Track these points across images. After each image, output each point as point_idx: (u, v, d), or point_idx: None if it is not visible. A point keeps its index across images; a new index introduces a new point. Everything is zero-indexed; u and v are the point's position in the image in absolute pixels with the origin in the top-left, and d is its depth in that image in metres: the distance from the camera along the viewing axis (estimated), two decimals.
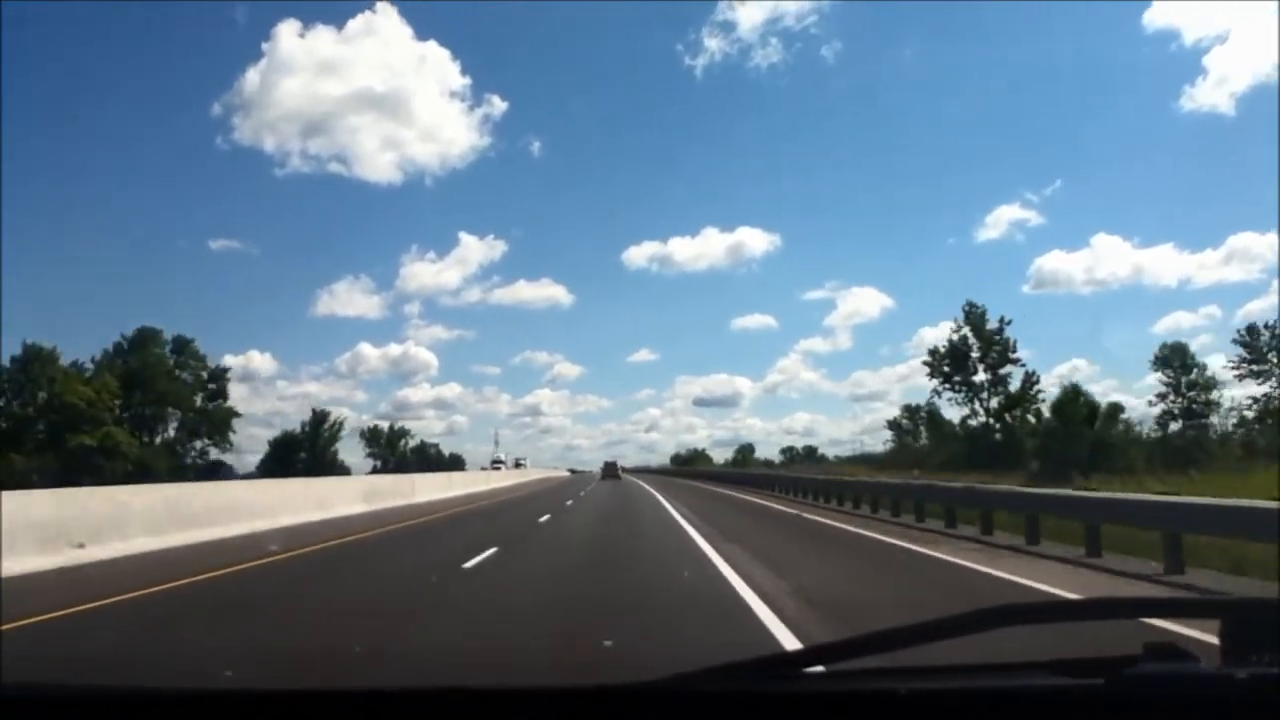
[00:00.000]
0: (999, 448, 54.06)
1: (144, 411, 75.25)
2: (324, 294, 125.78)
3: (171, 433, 78.50)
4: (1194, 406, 62.57)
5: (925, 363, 62.83)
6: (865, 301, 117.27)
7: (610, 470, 70.61)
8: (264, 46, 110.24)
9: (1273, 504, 9.23)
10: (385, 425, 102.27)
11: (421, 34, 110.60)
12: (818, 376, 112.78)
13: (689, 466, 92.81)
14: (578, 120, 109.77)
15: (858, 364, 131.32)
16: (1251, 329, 60.61)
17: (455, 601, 8.44)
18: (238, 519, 15.45)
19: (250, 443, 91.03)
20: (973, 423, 61.61)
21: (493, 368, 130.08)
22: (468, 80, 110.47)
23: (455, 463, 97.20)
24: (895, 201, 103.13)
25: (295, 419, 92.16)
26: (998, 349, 60.34)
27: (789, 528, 18.14)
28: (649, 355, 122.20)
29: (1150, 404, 62.26)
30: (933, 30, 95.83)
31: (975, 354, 60.88)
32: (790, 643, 5.92)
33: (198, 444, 79.49)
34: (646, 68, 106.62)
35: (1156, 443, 55.48)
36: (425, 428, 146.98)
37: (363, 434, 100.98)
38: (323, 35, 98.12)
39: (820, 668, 1.34)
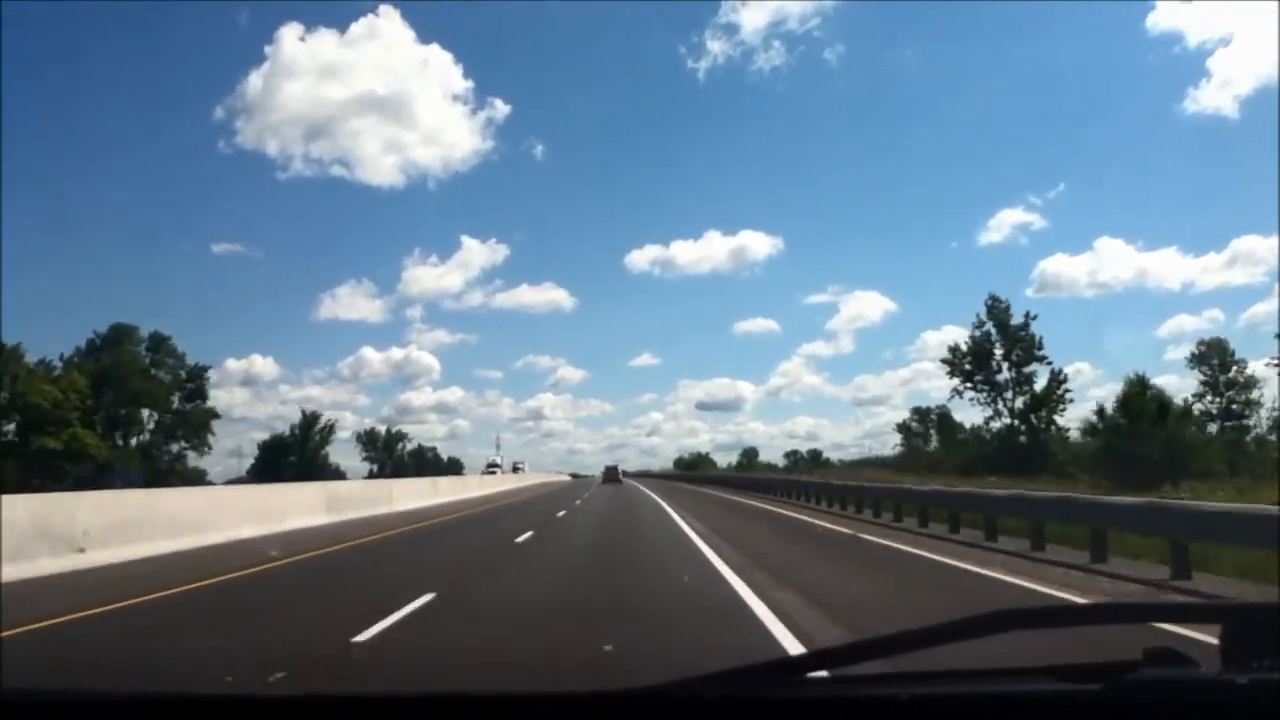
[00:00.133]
0: (1025, 451, 53.64)
1: (117, 412, 75.21)
2: (326, 297, 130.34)
3: (147, 435, 78.67)
4: (1233, 406, 62.53)
5: (945, 361, 62.53)
6: (868, 305, 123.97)
7: (611, 474, 75.35)
8: (266, 50, 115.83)
9: None
10: (382, 428, 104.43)
11: (424, 37, 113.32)
12: (820, 380, 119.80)
13: (694, 471, 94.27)
14: (580, 123, 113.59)
15: (860, 368, 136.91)
16: None
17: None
18: (141, 537, 12.98)
19: (251, 447, 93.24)
20: (996, 424, 61.33)
21: (495, 372, 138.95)
22: (470, 83, 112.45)
23: (453, 467, 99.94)
24: (898, 205, 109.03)
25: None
26: (1023, 346, 60.02)
27: (861, 559, 13.54)
28: (651, 359, 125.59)
29: (1186, 403, 62.09)
30: (935, 33, 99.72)
31: (999, 352, 60.61)
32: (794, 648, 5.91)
33: (174, 447, 79.73)
34: (649, 71, 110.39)
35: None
36: (427, 431, 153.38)
37: (359, 437, 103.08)
38: (325, 38, 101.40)
39: (823, 673, 1.41)
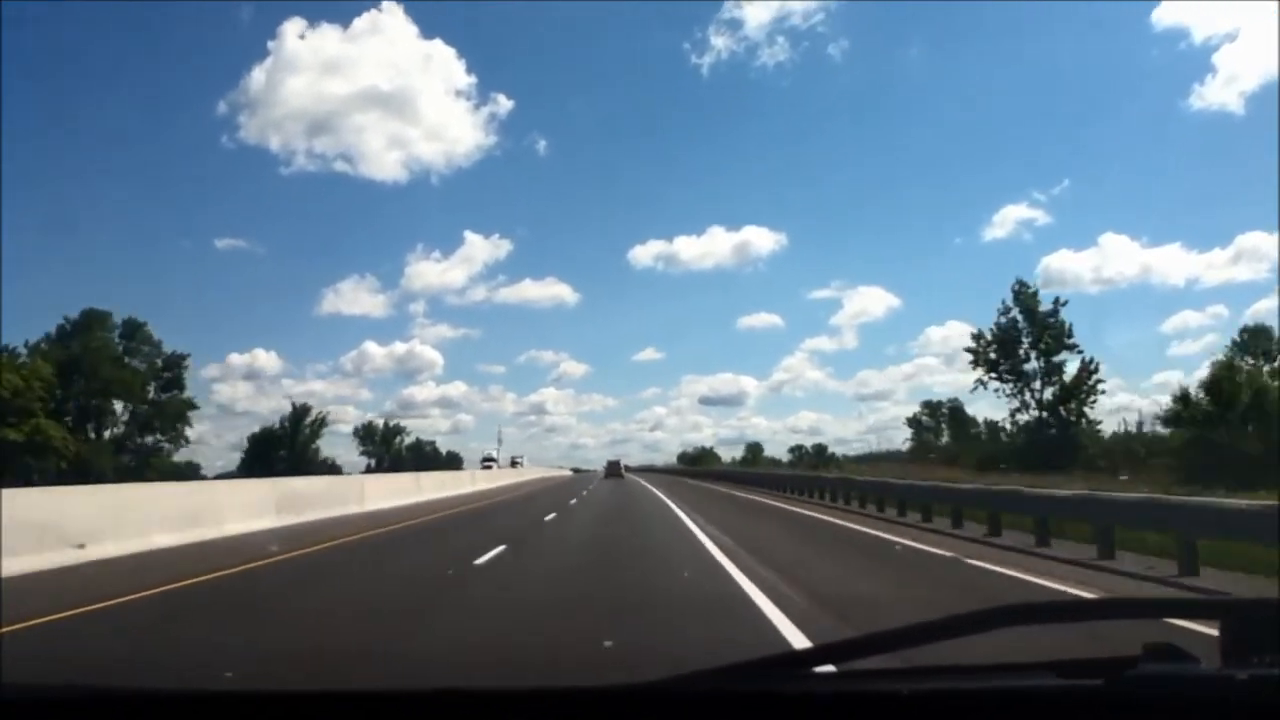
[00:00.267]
0: (1054, 444, 53.35)
1: (88, 402, 74.85)
2: (329, 293, 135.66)
3: (121, 427, 78.62)
4: None
5: (968, 349, 62.15)
6: (871, 301, 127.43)
7: (613, 469, 79.18)
8: (269, 45, 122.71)
9: None
10: (380, 422, 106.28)
11: (427, 32, 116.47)
12: (823, 375, 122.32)
13: (697, 465, 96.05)
14: (583, 119, 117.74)
15: (863, 363, 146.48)
16: None
17: None
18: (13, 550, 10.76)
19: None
20: (1023, 417, 60.99)
21: (498, 366, 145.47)
22: (473, 79, 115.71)
23: (452, 461, 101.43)
24: (902, 200, 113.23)
25: None
26: (1052, 334, 59.60)
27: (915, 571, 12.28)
28: (654, 354, 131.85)
29: None
30: (940, 28, 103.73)
31: (1026, 340, 60.28)
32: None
33: (149, 439, 79.71)
34: (653, 66, 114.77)
35: None
36: (430, 426, 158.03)
37: (356, 431, 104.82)
38: (328, 34, 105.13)
39: (827, 667, 1.49)
